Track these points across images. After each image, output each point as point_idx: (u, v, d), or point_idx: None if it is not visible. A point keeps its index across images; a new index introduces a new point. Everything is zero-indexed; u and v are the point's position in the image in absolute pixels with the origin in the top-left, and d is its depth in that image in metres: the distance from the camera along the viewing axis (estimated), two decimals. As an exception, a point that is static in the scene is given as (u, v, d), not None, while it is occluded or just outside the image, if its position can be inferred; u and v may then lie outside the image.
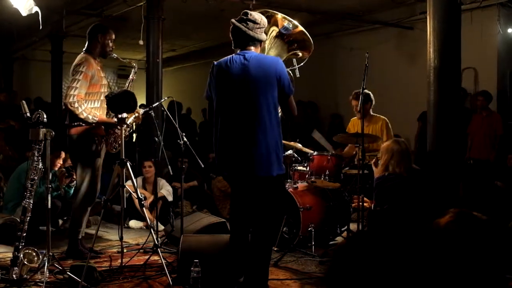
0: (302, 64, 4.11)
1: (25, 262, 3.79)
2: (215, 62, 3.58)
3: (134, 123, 4.85)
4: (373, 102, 5.51)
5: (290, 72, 3.96)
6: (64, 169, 5.85)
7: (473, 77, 8.38)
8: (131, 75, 4.88)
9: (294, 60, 4.10)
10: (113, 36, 4.78)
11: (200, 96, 3.71)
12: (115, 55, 4.81)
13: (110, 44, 4.73)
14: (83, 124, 4.50)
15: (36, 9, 4.71)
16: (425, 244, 0.85)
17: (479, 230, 1.68)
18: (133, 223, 6.32)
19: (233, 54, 3.54)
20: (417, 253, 0.84)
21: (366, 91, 5.36)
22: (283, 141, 3.74)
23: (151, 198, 6.29)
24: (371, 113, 5.53)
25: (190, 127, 11.13)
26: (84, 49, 4.67)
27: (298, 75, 4.05)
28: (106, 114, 4.69)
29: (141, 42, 7.99)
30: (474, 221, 1.71)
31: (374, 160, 4.72)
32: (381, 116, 5.51)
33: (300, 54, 4.07)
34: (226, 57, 3.54)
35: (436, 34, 4.85)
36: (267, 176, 3.40)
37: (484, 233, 1.69)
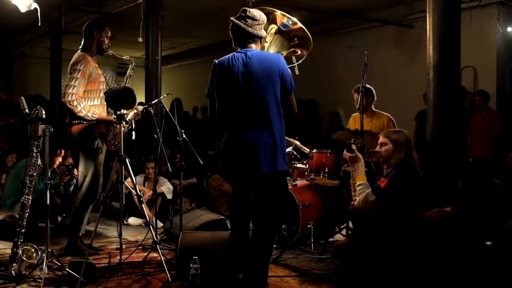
0: (300, 61, 4.10)
1: (24, 258, 3.79)
2: (216, 61, 3.57)
3: (133, 120, 4.84)
4: (375, 98, 5.46)
5: (289, 70, 3.96)
6: (64, 167, 5.86)
7: (473, 75, 8.39)
8: (128, 71, 4.87)
9: (294, 58, 4.10)
10: (109, 33, 4.76)
11: (199, 94, 3.71)
12: (111, 52, 4.80)
13: (106, 41, 4.72)
14: (84, 122, 4.50)
15: (35, 5, 4.70)
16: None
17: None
18: (132, 220, 6.32)
19: (234, 52, 3.54)
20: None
21: (368, 86, 5.35)
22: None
23: (149, 193, 6.30)
24: (373, 108, 5.49)
25: (196, 127, 10.99)
26: (80, 47, 4.66)
27: (297, 73, 4.04)
28: (107, 111, 4.69)
29: (140, 40, 7.99)
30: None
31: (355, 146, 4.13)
32: (385, 113, 5.45)
33: (299, 51, 4.07)
34: (227, 56, 3.54)
35: (436, 33, 4.85)
36: (271, 172, 3.40)
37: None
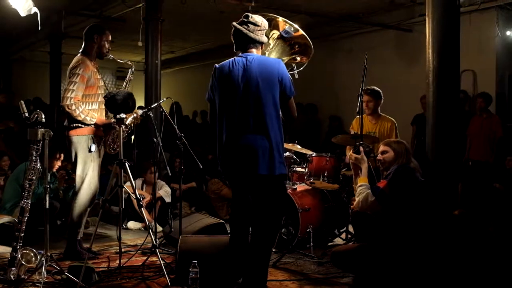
0: (301, 68, 4.12)
1: (23, 263, 3.78)
2: (217, 65, 3.60)
3: (132, 124, 4.84)
4: (382, 101, 5.45)
5: (289, 75, 3.97)
6: (64, 171, 5.86)
7: (472, 79, 8.41)
8: (128, 76, 4.87)
9: (294, 65, 4.11)
10: (110, 37, 4.76)
11: (198, 98, 3.72)
12: (111, 56, 4.80)
13: (107, 45, 4.72)
14: (82, 126, 4.50)
15: (35, 9, 4.70)
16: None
17: None
18: (131, 224, 6.32)
19: (235, 57, 3.56)
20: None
21: (376, 88, 5.37)
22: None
23: (148, 197, 6.30)
24: (379, 112, 5.48)
25: (196, 131, 10.95)
26: (80, 51, 4.66)
27: (296, 77, 4.06)
28: (105, 116, 4.69)
29: (140, 44, 8.00)
30: None
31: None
32: (391, 118, 5.45)
33: (299, 59, 4.09)
34: (228, 60, 3.57)
35: (435, 36, 4.86)
36: (269, 174, 3.41)
37: None
